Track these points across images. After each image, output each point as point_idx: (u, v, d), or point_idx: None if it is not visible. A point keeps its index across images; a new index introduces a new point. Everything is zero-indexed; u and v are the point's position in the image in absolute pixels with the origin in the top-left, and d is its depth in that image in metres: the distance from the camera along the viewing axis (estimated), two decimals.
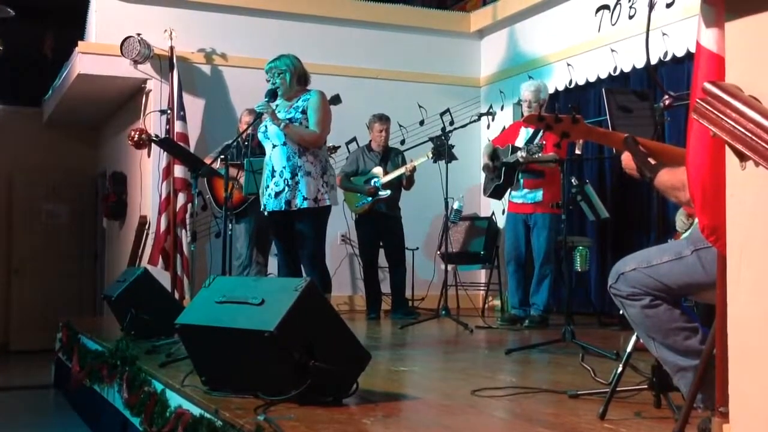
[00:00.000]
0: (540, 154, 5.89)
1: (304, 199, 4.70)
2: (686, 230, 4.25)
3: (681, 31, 6.17)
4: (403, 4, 8.93)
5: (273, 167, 4.80)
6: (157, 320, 4.98)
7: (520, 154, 6.10)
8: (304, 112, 4.77)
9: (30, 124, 10.35)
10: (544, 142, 5.93)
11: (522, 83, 6.65)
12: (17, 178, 10.43)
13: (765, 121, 1.51)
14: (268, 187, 4.84)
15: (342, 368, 3.00)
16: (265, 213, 4.95)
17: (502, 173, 6.32)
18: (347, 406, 2.99)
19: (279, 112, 4.80)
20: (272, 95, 4.78)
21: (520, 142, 6.38)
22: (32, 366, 8.24)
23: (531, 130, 6.24)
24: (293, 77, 4.83)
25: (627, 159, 2.46)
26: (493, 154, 6.44)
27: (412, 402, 3.28)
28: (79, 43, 7.71)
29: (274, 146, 4.81)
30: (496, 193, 6.51)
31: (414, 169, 6.87)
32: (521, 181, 6.30)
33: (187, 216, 7.26)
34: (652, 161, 2.36)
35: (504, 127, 7.93)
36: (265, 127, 4.86)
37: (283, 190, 4.74)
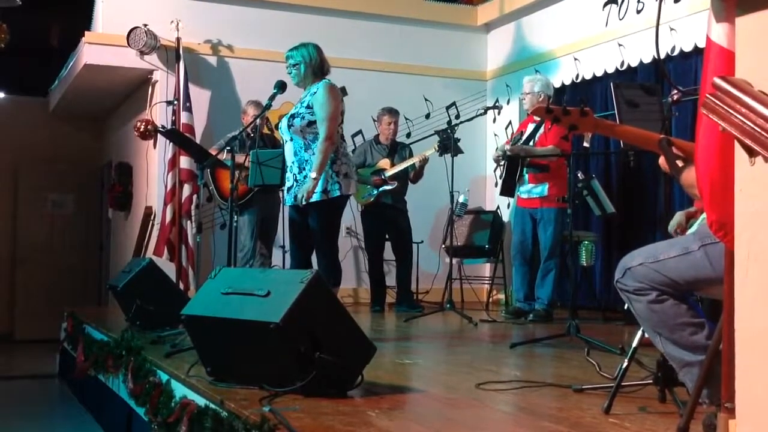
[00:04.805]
0: (522, 144, 5.94)
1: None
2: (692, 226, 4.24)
3: (689, 26, 6.16)
4: None
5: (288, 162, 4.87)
6: (162, 311, 5.00)
7: (507, 147, 6.13)
8: (309, 107, 4.76)
9: (36, 115, 10.36)
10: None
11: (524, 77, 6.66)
12: (23, 168, 10.44)
13: None
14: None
15: (347, 360, 3.01)
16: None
17: (504, 167, 6.33)
18: (352, 398, 3.00)
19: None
20: (281, 87, 4.79)
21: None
22: (37, 355, 8.26)
23: (534, 125, 6.24)
24: (307, 69, 4.84)
25: (663, 161, 2.45)
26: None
27: (417, 395, 3.28)
28: (86, 33, 7.71)
29: (285, 141, 4.85)
30: (506, 189, 6.50)
31: (426, 159, 6.82)
32: (526, 176, 6.30)
33: (193, 207, 7.27)
34: (680, 163, 2.36)
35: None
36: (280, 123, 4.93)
37: (293, 185, 4.76)
